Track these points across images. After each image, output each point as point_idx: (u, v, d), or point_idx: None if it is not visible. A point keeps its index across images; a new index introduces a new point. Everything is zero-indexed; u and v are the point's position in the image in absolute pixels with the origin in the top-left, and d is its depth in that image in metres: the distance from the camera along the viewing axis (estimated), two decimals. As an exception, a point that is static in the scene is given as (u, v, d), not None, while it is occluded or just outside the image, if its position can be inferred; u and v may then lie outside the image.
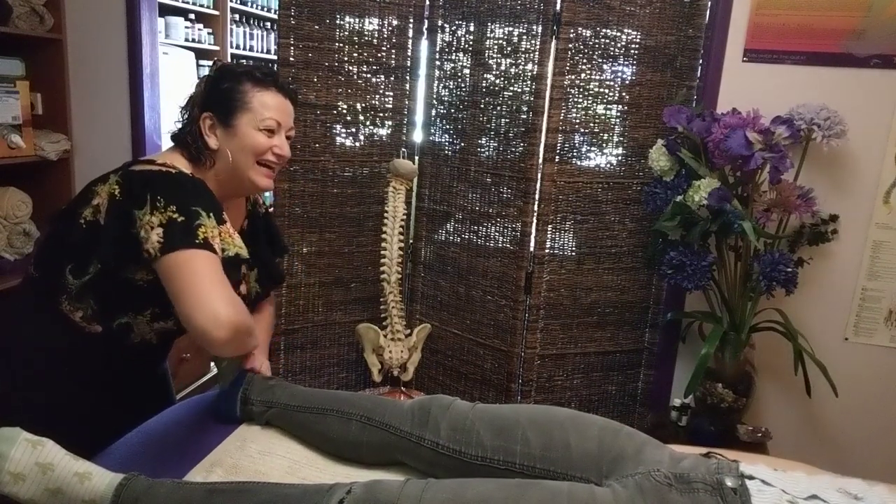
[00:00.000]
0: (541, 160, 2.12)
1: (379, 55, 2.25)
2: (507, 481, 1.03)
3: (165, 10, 3.31)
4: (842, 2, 1.95)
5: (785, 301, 1.99)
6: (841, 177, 2.03)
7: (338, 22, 2.17)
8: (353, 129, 2.28)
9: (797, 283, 1.88)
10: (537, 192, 2.14)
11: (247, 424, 1.31)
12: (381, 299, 2.18)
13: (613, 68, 2.12)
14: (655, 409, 2.27)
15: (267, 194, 2.09)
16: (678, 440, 1.89)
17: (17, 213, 2.24)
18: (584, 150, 2.16)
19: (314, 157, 2.21)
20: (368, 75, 2.25)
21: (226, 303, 1.10)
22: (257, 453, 1.22)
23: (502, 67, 2.17)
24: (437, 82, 2.31)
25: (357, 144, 2.30)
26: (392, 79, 2.30)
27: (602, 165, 2.19)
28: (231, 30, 3.90)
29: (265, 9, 4.26)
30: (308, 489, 1.03)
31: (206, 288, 1.09)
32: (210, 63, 3.97)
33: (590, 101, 2.13)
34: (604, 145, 2.18)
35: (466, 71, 2.24)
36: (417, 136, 2.37)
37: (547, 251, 2.19)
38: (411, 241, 2.42)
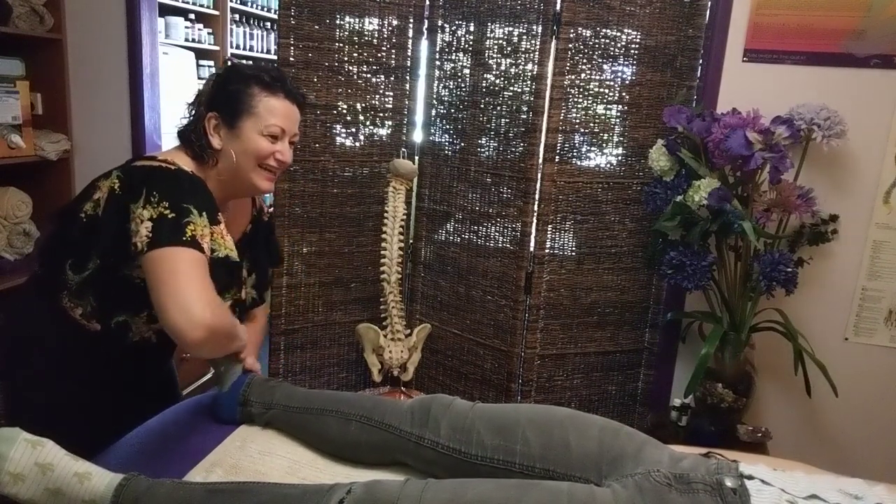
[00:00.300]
0: (541, 160, 2.12)
1: (379, 55, 2.25)
2: (507, 481, 1.03)
3: (165, 10, 3.31)
4: (842, 2, 1.95)
5: (785, 301, 1.99)
6: (841, 177, 2.03)
7: (338, 22, 2.17)
8: (353, 129, 2.28)
9: (797, 283, 1.88)
10: (537, 192, 2.14)
11: (247, 425, 1.31)
12: (381, 299, 2.18)
13: (613, 68, 2.12)
14: (655, 409, 2.27)
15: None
16: (678, 440, 1.89)
17: (17, 213, 2.24)
18: (584, 150, 2.16)
19: (314, 157, 2.21)
20: (368, 75, 2.25)
21: (204, 303, 1.08)
22: (257, 453, 1.22)
23: (502, 67, 2.17)
24: (437, 82, 2.31)
25: (357, 144, 2.30)
26: (392, 79, 2.30)
27: (602, 165, 2.19)
28: (231, 30, 3.90)
29: (265, 9, 4.26)
30: (308, 489, 1.03)
31: (185, 286, 1.07)
32: (210, 63, 3.98)
33: (590, 101, 2.13)
34: (604, 145, 2.18)
35: (466, 71, 2.24)
36: (417, 136, 2.37)
37: (547, 251, 2.19)
38: (411, 241, 2.42)
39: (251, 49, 4.16)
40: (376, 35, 2.23)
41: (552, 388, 2.30)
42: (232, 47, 3.93)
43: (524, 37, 2.11)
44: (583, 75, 2.10)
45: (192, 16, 3.56)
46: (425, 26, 2.27)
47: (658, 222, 1.94)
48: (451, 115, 2.29)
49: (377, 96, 2.28)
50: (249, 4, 4.12)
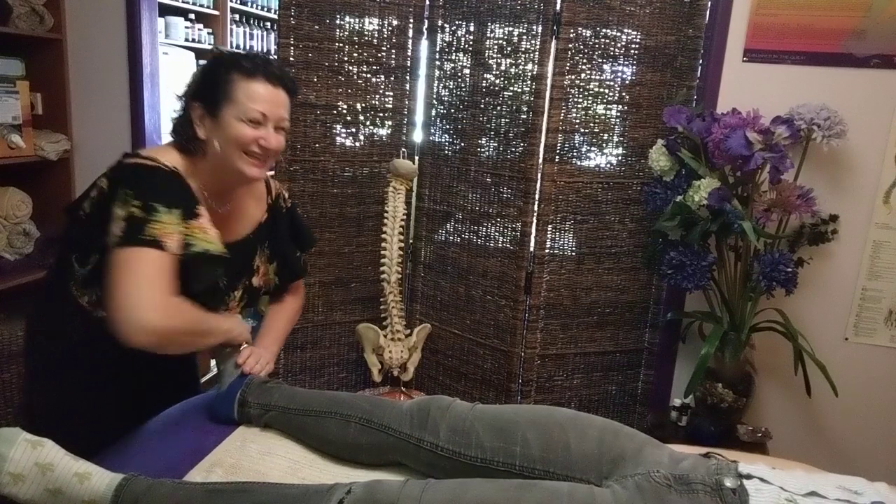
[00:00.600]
0: (541, 160, 2.12)
1: (379, 55, 2.25)
2: (507, 482, 1.03)
3: (165, 10, 3.31)
4: (842, 2, 1.95)
5: (785, 301, 1.99)
6: (841, 177, 2.03)
7: (338, 22, 2.17)
8: (353, 129, 2.28)
9: (797, 283, 1.88)
10: (537, 192, 2.14)
11: (246, 426, 1.31)
12: (381, 299, 2.19)
13: (613, 68, 2.12)
14: (655, 409, 2.27)
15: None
16: (678, 440, 1.89)
17: (17, 213, 2.24)
18: (584, 150, 2.16)
19: (314, 157, 2.21)
20: (368, 75, 2.25)
21: (153, 307, 1.08)
22: (257, 453, 1.22)
23: (502, 67, 2.17)
24: (437, 82, 2.31)
25: (357, 144, 2.30)
26: (392, 79, 2.30)
27: (602, 165, 2.19)
28: (231, 30, 3.90)
29: (265, 9, 4.26)
30: (308, 489, 1.03)
31: (134, 289, 1.08)
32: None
33: (590, 101, 2.13)
34: (604, 145, 2.18)
35: (466, 71, 2.24)
36: (417, 136, 2.37)
37: (547, 251, 2.19)
38: (411, 241, 2.42)
39: (251, 49, 4.16)
40: (376, 35, 2.23)
41: (552, 388, 2.30)
42: (232, 47, 3.92)
43: (524, 37, 2.11)
44: (583, 75, 2.10)
45: (192, 16, 3.56)
46: (425, 26, 2.27)
47: (658, 222, 1.94)
48: (451, 115, 2.29)
49: (377, 96, 2.28)
50: (249, 4, 4.12)
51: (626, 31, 2.09)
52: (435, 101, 2.33)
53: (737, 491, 0.95)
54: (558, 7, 2.03)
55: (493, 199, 2.24)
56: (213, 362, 2.64)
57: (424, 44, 2.29)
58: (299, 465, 1.21)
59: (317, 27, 2.13)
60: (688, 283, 1.90)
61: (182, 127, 1.28)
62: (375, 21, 2.22)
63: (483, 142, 2.23)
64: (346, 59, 2.20)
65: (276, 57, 2.30)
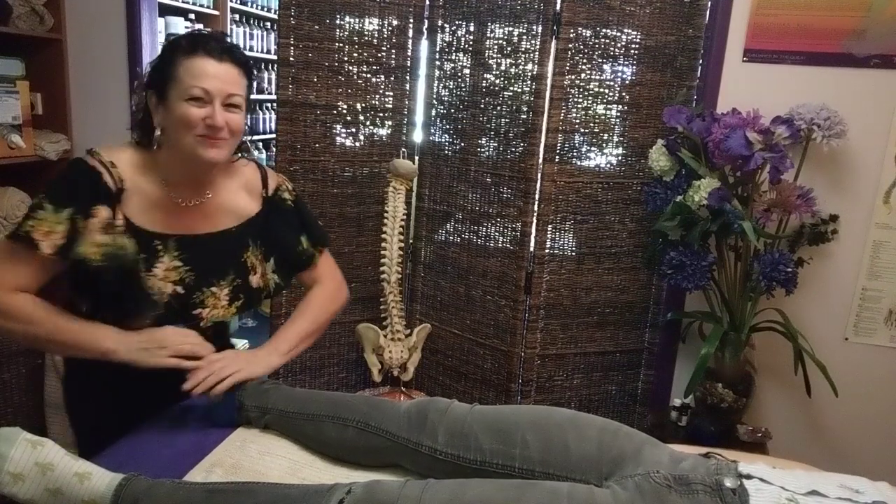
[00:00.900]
0: (541, 160, 2.12)
1: (379, 55, 2.25)
2: (507, 482, 1.03)
3: (165, 10, 3.31)
4: (842, 2, 1.95)
5: (785, 301, 1.99)
6: (841, 177, 2.03)
7: (338, 22, 2.17)
8: (353, 129, 2.28)
9: (797, 283, 1.88)
10: (537, 192, 2.14)
11: (246, 426, 1.30)
12: (381, 299, 2.19)
13: (613, 68, 2.12)
14: (655, 409, 2.27)
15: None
16: (678, 440, 1.89)
17: (17, 213, 2.24)
18: (584, 150, 2.16)
19: (314, 157, 2.21)
20: (368, 75, 2.25)
21: None
22: (257, 453, 1.22)
23: (502, 67, 2.17)
24: (437, 82, 2.31)
25: (357, 144, 2.30)
26: (392, 79, 2.30)
27: (602, 165, 2.19)
28: (231, 30, 3.90)
29: (265, 9, 4.26)
30: (308, 489, 1.03)
31: None
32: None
33: (590, 101, 2.13)
34: (604, 145, 2.18)
35: (466, 71, 2.24)
36: (417, 136, 2.37)
37: (547, 251, 2.19)
38: (411, 241, 2.42)
39: (251, 49, 4.16)
40: (376, 35, 2.23)
41: (552, 388, 2.30)
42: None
43: (524, 37, 2.11)
44: (583, 75, 2.10)
45: (192, 16, 3.55)
46: (425, 26, 2.27)
47: (658, 222, 1.94)
48: (451, 115, 2.29)
49: (377, 96, 2.28)
50: (249, 4, 4.12)
51: (626, 31, 2.09)
52: (435, 101, 2.33)
53: (737, 491, 0.95)
54: (558, 7, 2.03)
55: (493, 199, 2.24)
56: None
57: (424, 44, 2.29)
58: (299, 466, 1.21)
59: (317, 27, 2.13)
60: (688, 283, 1.90)
61: (141, 121, 1.27)
62: (375, 21, 2.22)
63: (483, 142, 2.23)
64: (346, 59, 2.20)
65: (276, 57, 2.30)
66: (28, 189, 2.30)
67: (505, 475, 1.08)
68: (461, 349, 2.37)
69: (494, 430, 1.12)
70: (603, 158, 2.19)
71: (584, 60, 2.09)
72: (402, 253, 2.17)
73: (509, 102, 2.16)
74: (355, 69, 2.22)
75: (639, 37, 2.10)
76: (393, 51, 2.27)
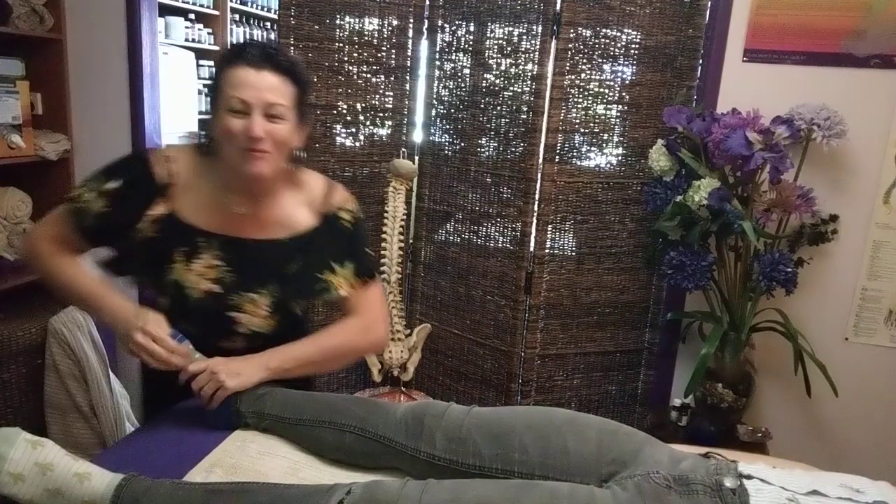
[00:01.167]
0: (541, 160, 2.12)
1: (379, 55, 2.25)
2: (507, 483, 1.03)
3: (165, 10, 3.32)
4: (842, 2, 1.95)
5: (785, 301, 1.99)
6: (841, 177, 2.03)
7: (338, 22, 2.17)
8: (353, 129, 2.28)
9: (797, 283, 1.88)
10: (537, 192, 2.14)
11: (244, 429, 1.30)
12: (381, 299, 2.18)
13: (613, 68, 2.12)
14: (655, 409, 2.27)
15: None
16: (678, 440, 1.89)
17: (17, 213, 2.24)
18: (584, 150, 2.16)
19: (314, 158, 2.20)
20: (368, 75, 2.25)
21: (32, 232, 1.38)
22: (257, 454, 1.21)
23: (502, 67, 2.17)
24: (437, 82, 2.31)
25: (357, 144, 2.30)
26: (392, 79, 2.30)
27: (602, 165, 2.19)
28: (231, 30, 3.90)
29: (265, 9, 4.26)
30: (308, 490, 1.03)
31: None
32: (210, 63, 3.98)
33: (590, 101, 2.13)
34: (604, 145, 2.18)
35: (466, 71, 2.24)
36: (417, 136, 2.37)
37: (547, 251, 2.19)
38: (411, 241, 2.42)
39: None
40: (376, 35, 2.23)
41: (552, 389, 2.30)
42: (232, 47, 3.93)
43: (524, 37, 2.11)
44: (583, 75, 2.10)
45: (192, 16, 3.56)
46: (425, 26, 2.27)
47: (658, 222, 1.94)
48: (451, 115, 2.29)
49: (377, 96, 2.28)
50: (249, 4, 4.12)
51: (626, 31, 2.09)
52: (435, 101, 2.33)
53: (737, 491, 0.95)
54: (558, 7, 2.03)
55: (493, 199, 2.24)
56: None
57: (424, 44, 2.30)
58: (299, 466, 1.20)
59: (317, 27, 2.13)
60: (688, 283, 1.90)
61: (206, 128, 1.30)
62: (375, 21, 2.22)
63: (483, 142, 2.23)
64: (346, 59, 2.20)
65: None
66: (28, 189, 2.29)
67: (504, 480, 1.08)
68: (461, 349, 2.37)
69: (492, 434, 1.11)
70: (603, 158, 2.19)
71: (584, 60, 2.09)
72: (402, 253, 2.17)
73: (509, 102, 2.16)
74: (355, 69, 2.22)
75: (639, 37, 2.10)
76: (393, 51, 2.27)
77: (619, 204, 2.20)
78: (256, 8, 4.17)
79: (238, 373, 1.25)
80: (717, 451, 1.14)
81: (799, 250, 2.05)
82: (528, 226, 2.16)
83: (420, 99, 2.35)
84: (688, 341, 2.22)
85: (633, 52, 2.11)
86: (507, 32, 2.15)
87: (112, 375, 2.27)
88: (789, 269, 1.86)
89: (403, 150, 2.29)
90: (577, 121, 2.13)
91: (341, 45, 2.19)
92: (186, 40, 3.46)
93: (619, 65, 2.13)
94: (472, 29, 2.21)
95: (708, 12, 2.08)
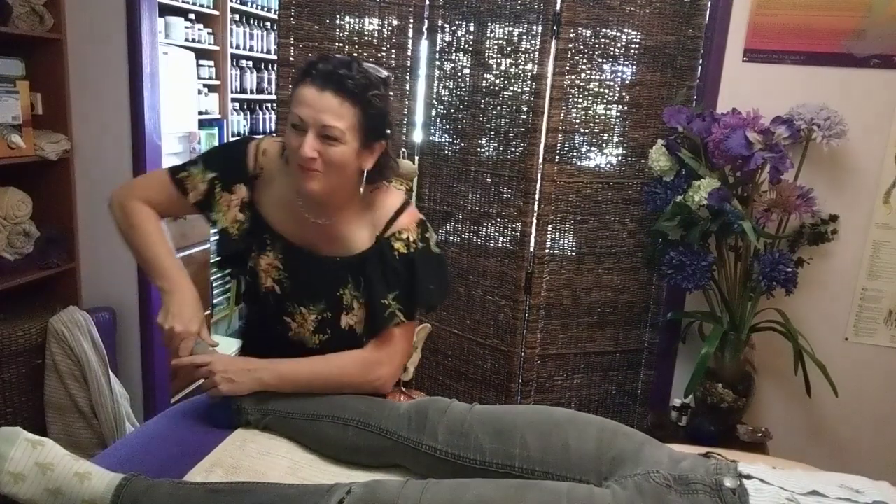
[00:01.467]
0: (541, 160, 2.12)
1: (379, 55, 2.25)
2: (507, 482, 1.03)
3: (165, 10, 3.31)
4: (842, 2, 1.95)
5: (785, 301, 1.99)
6: (841, 177, 2.03)
7: (338, 22, 2.17)
8: (353, 129, 2.27)
9: (797, 282, 1.88)
10: (537, 192, 2.14)
11: (245, 427, 1.30)
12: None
13: (613, 68, 2.12)
14: (655, 409, 2.27)
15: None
16: (678, 440, 1.89)
17: (17, 213, 2.24)
18: (584, 150, 2.16)
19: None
20: (368, 75, 2.25)
21: (120, 187, 1.39)
22: (257, 453, 1.22)
23: (502, 67, 2.17)
24: (437, 82, 2.31)
25: (357, 144, 2.29)
26: (392, 79, 2.29)
27: (602, 165, 2.19)
28: (231, 30, 3.90)
29: (265, 9, 4.26)
30: (308, 489, 1.03)
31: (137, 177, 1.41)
32: (210, 63, 3.97)
33: (590, 101, 2.13)
34: (604, 145, 2.18)
35: (466, 71, 2.24)
36: (417, 136, 2.37)
37: (547, 251, 2.19)
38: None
39: (251, 49, 4.17)
40: (376, 35, 2.23)
41: (552, 388, 2.30)
42: (232, 47, 3.93)
43: (524, 37, 2.11)
44: (583, 75, 2.10)
45: (192, 16, 3.56)
46: (425, 26, 2.27)
47: (658, 222, 1.94)
48: (451, 115, 2.29)
49: (377, 96, 2.28)
50: (249, 4, 4.12)
51: (626, 31, 2.09)
52: (435, 101, 2.33)
53: (737, 491, 0.95)
54: (558, 7, 2.03)
55: (493, 199, 2.24)
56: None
57: (424, 44, 2.29)
58: (299, 465, 1.21)
59: (317, 27, 2.13)
60: (688, 283, 1.90)
61: None
62: (375, 21, 2.22)
63: (483, 142, 2.23)
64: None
65: (276, 57, 2.29)
66: (28, 189, 2.29)
67: (504, 475, 1.08)
68: (461, 349, 2.37)
69: (494, 429, 1.12)
70: (603, 158, 2.19)
71: (584, 60, 2.09)
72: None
73: (509, 102, 2.16)
74: (355, 69, 2.22)
75: (639, 37, 2.10)
76: (393, 51, 2.27)
77: (619, 204, 2.20)
78: (256, 8, 4.17)
79: (233, 379, 1.26)
80: (717, 451, 1.14)
81: (799, 250, 2.05)
82: (528, 226, 2.16)
83: (420, 99, 2.35)
84: (688, 341, 2.22)
85: (633, 52, 2.11)
86: (507, 32, 2.15)
87: (112, 375, 2.27)
88: (789, 269, 1.86)
89: (403, 150, 2.29)
90: (577, 121, 2.13)
91: (341, 45, 2.19)
92: (186, 40, 3.46)
93: (619, 65, 2.13)
94: (472, 29, 2.21)
95: (708, 12, 2.08)
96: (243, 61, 4.13)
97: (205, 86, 3.72)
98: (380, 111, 1.22)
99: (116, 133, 2.35)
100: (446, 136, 2.33)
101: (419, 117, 2.35)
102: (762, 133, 1.78)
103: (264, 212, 1.33)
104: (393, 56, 2.28)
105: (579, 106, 2.12)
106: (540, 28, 2.06)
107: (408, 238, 1.29)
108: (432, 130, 2.35)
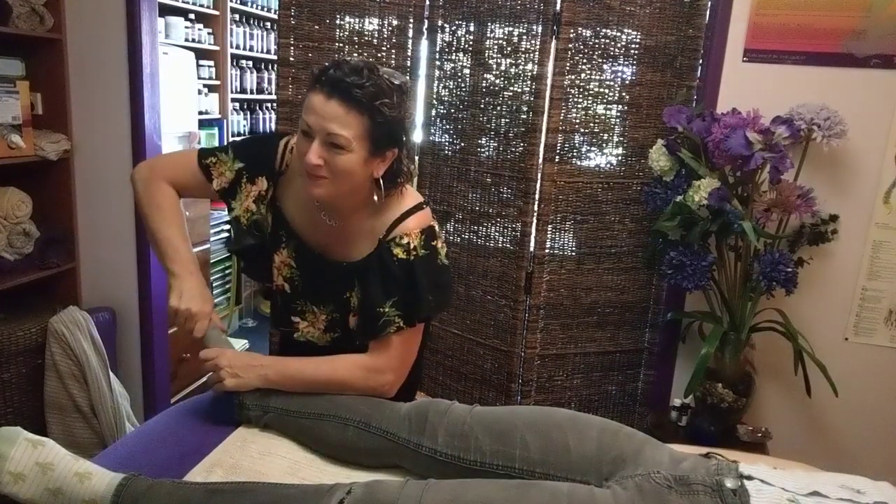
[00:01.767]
0: (541, 160, 2.12)
1: (379, 55, 2.25)
2: (507, 482, 1.03)
3: (165, 10, 3.31)
4: (842, 2, 1.95)
5: (785, 301, 1.99)
6: (841, 177, 2.03)
7: (338, 22, 2.17)
8: (353, 129, 2.27)
9: (797, 283, 1.88)
10: (537, 192, 2.14)
11: (246, 426, 1.30)
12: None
13: (613, 68, 2.12)
14: (655, 409, 2.27)
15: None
16: (678, 440, 1.89)
17: (17, 213, 2.24)
18: (584, 150, 2.16)
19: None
20: (368, 75, 2.24)
21: (146, 163, 1.43)
22: (257, 453, 1.22)
23: (502, 67, 2.17)
24: (437, 82, 2.31)
25: (357, 144, 2.29)
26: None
27: (602, 165, 2.19)
28: (231, 30, 3.90)
29: (265, 9, 4.26)
30: (308, 489, 1.03)
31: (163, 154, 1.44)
32: (210, 63, 3.96)
33: (590, 101, 2.13)
34: (604, 145, 2.18)
35: (466, 71, 2.24)
36: (417, 136, 2.37)
37: (547, 251, 2.19)
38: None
39: (251, 49, 4.16)
40: (376, 35, 2.23)
41: (552, 389, 2.30)
42: (232, 47, 3.92)
43: (524, 37, 2.11)
44: (583, 75, 2.10)
45: (192, 16, 3.55)
46: (425, 26, 2.27)
47: (658, 222, 1.94)
48: (451, 115, 2.29)
49: (377, 96, 2.28)
50: (249, 4, 4.12)
51: (626, 31, 2.09)
52: (435, 101, 2.32)
53: (737, 492, 0.95)
54: (558, 7, 2.03)
55: (493, 199, 2.24)
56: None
57: (424, 44, 2.29)
58: (299, 466, 1.21)
59: (317, 27, 2.13)
60: (688, 283, 1.90)
61: None
62: (375, 21, 2.22)
63: (483, 142, 2.23)
64: (346, 59, 2.20)
65: (276, 57, 2.29)
66: (28, 189, 2.29)
67: (505, 476, 1.08)
68: (461, 349, 2.37)
69: (495, 431, 1.12)
70: (603, 158, 2.19)
71: (584, 60, 2.09)
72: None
73: (509, 102, 2.16)
74: (355, 69, 2.22)
75: (639, 37, 2.10)
76: (393, 51, 2.27)
77: (619, 204, 2.20)
78: (256, 8, 4.17)
79: (238, 375, 1.28)
80: (718, 452, 1.14)
81: (799, 250, 2.05)
82: (528, 226, 2.16)
83: (420, 99, 2.34)
84: (688, 341, 2.22)
85: (633, 52, 2.11)
86: (507, 32, 2.15)
87: (112, 375, 2.27)
88: (789, 269, 1.86)
89: (403, 150, 2.29)
90: (577, 121, 2.13)
91: (341, 45, 2.19)
92: (186, 40, 3.46)
93: (619, 65, 2.13)
94: (472, 29, 2.21)
95: (708, 12, 2.08)
96: (243, 61, 4.12)
97: (205, 86, 3.72)
98: (390, 120, 1.19)
99: (116, 133, 2.35)
100: (446, 136, 2.33)
101: (419, 117, 2.35)
102: (762, 133, 1.78)
103: (284, 208, 1.36)
104: (393, 56, 2.28)
105: (579, 106, 2.12)
106: (540, 28, 2.06)
107: (408, 244, 1.26)
108: (432, 130, 2.35)
